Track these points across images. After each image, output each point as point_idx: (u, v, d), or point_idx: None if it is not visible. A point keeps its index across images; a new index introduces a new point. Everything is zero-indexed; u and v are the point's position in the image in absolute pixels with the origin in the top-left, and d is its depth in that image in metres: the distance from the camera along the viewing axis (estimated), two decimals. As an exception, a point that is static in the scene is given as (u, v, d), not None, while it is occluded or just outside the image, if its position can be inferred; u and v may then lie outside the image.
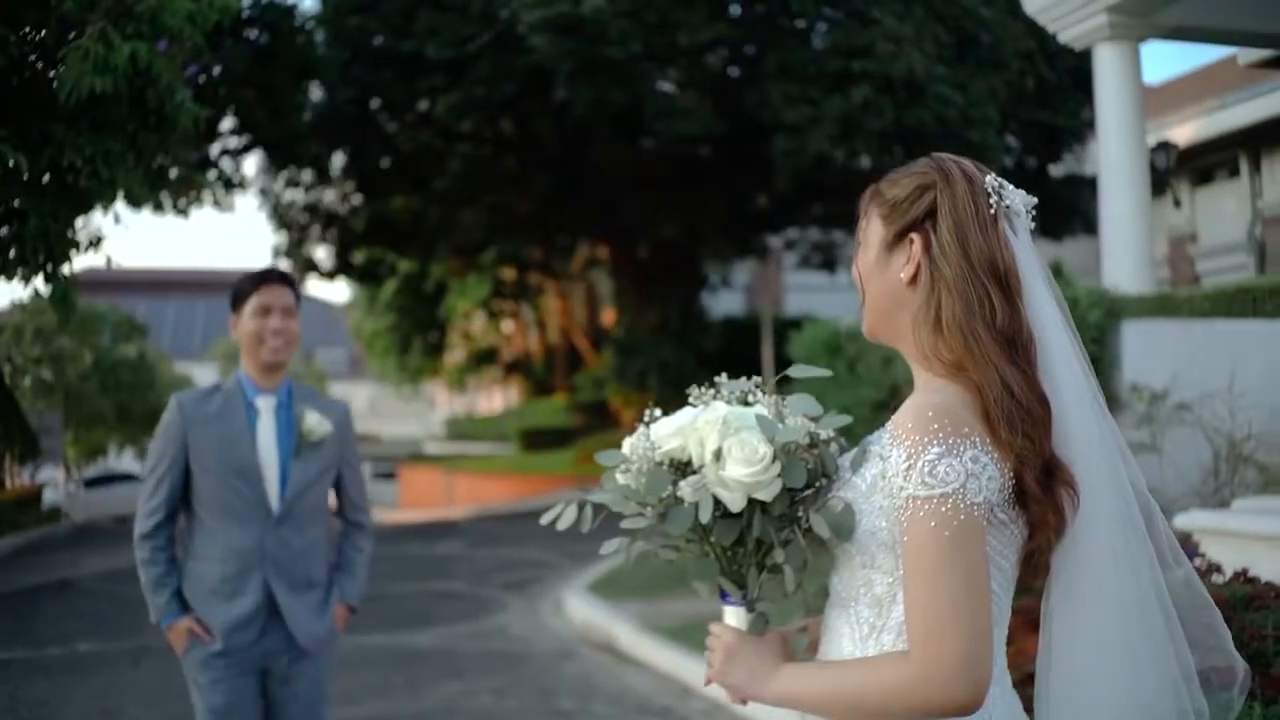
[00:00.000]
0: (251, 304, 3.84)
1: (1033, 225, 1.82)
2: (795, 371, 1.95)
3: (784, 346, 12.89)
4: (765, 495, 1.75)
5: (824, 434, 1.83)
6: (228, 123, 21.83)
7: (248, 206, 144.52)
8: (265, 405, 3.87)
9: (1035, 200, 1.83)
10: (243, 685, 3.79)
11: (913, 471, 1.64)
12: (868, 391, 9.77)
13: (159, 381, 31.18)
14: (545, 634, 10.27)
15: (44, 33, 10.81)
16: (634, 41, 21.62)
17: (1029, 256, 1.78)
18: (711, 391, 1.90)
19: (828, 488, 1.79)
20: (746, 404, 1.87)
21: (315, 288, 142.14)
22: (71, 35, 10.11)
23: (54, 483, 30.15)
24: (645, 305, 31.45)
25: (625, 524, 1.84)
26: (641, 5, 21.06)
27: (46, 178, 10.94)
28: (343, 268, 32.17)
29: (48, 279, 11.19)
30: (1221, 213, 23.89)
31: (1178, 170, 20.84)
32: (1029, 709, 1.79)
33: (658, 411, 1.90)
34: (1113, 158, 11.33)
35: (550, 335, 45.90)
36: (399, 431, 61.59)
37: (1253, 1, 11.43)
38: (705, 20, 21.83)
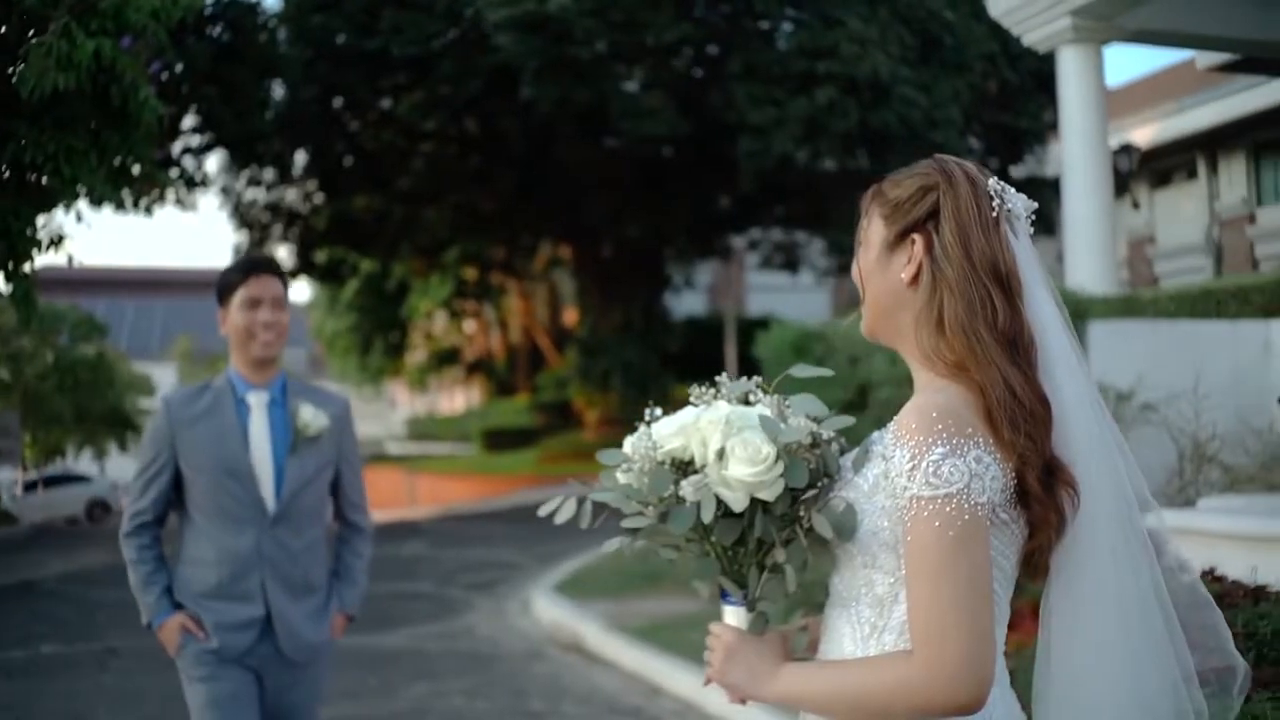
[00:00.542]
0: (239, 296, 3.63)
1: (1031, 230, 1.84)
2: (798, 371, 1.96)
3: (748, 347, 12.93)
4: (768, 495, 1.75)
5: (826, 434, 1.84)
6: (189, 120, 21.65)
7: (208, 206, 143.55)
8: (257, 401, 3.70)
9: (1036, 205, 1.85)
10: (240, 675, 3.62)
11: (917, 471, 1.65)
12: (836, 392, 9.80)
13: (118, 381, 30.86)
14: (513, 634, 10.25)
15: (6, 29, 10.68)
16: (600, 41, 21.63)
17: (1029, 259, 1.80)
18: (712, 391, 1.90)
19: (829, 487, 1.80)
20: (747, 403, 1.88)
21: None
22: (33, 32, 10.01)
23: (12, 484, 29.79)
24: (608, 305, 31.43)
25: (626, 523, 1.84)
26: (607, 4, 21.05)
27: (8, 175, 10.82)
28: (304, 267, 31.90)
29: (9, 278, 11.07)
30: (1179, 215, 24.15)
31: (1137, 173, 21.05)
32: (1027, 709, 1.81)
33: (658, 411, 1.90)
34: (1076, 159, 11.43)
35: (512, 335, 45.82)
36: (360, 432, 60.78)
37: (1213, 5, 11.57)
38: (671, 20, 21.85)
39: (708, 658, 1.89)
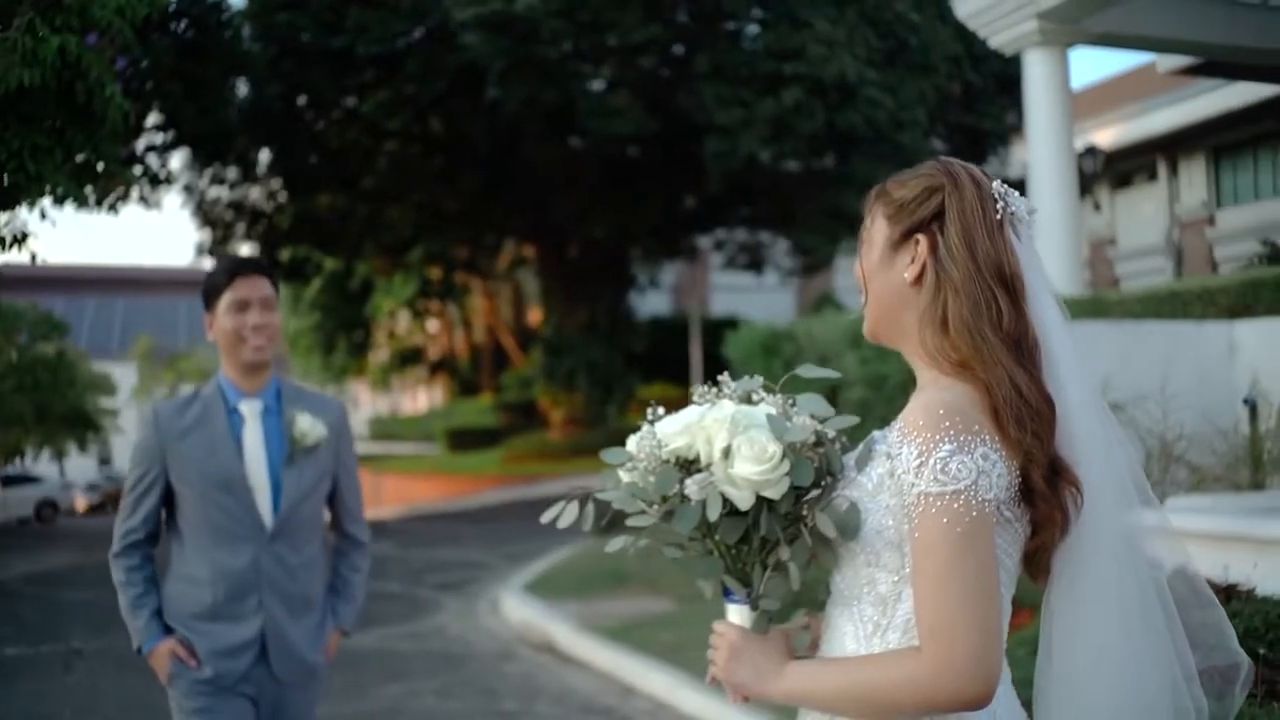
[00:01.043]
0: (226, 299, 3.43)
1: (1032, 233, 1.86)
2: (804, 372, 1.97)
3: (713, 346, 12.95)
4: (773, 493, 1.76)
5: (830, 433, 1.85)
6: (154, 118, 21.44)
7: (171, 204, 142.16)
8: (250, 410, 3.50)
9: (1037, 208, 1.87)
10: (237, 706, 3.43)
11: (925, 468, 1.66)
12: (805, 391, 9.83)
13: (79, 381, 30.53)
14: (483, 634, 10.22)
15: (-31, 24, 10.56)
16: (566, 41, 21.60)
17: (1032, 261, 1.81)
18: (715, 390, 1.91)
19: (833, 486, 1.81)
20: (750, 402, 1.89)
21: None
22: (-2, 27, 9.90)
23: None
24: (573, 305, 31.40)
25: (630, 522, 1.85)
26: (575, 4, 21.02)
27: (-29, 172, 10.70)
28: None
29: (-29, 276, 10.96)
30: (1140, 217, 24.40)
31: (1100, 175, 21.24)
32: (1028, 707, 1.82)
33: (660, 410, 1.91)
34: (1042, 161, 11.48)
35: (476, 335, 45.69)
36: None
37: (1179, 9, 11.68)
38: (639, 21, 21.84)
39: (711, 656, 1.88)
